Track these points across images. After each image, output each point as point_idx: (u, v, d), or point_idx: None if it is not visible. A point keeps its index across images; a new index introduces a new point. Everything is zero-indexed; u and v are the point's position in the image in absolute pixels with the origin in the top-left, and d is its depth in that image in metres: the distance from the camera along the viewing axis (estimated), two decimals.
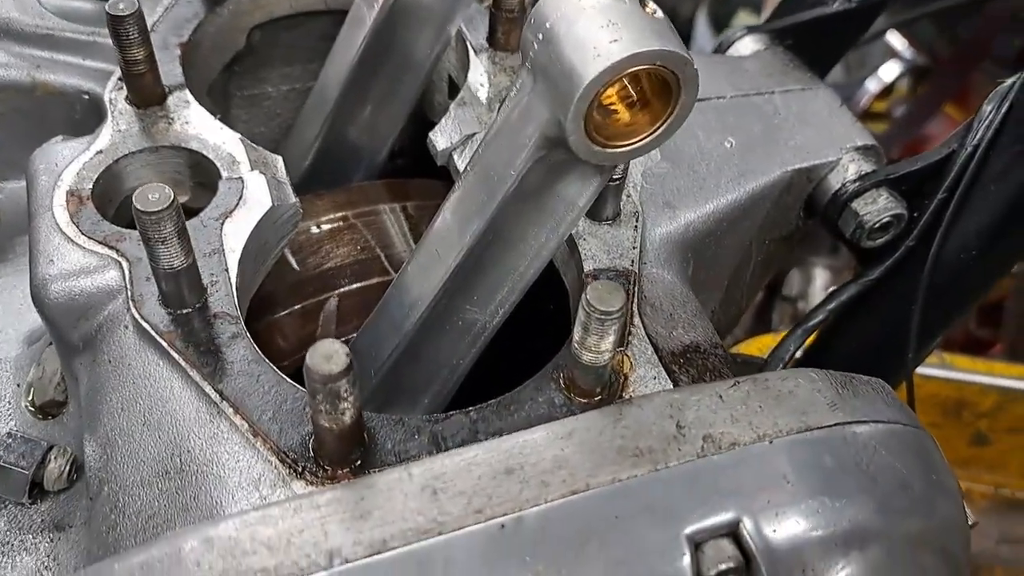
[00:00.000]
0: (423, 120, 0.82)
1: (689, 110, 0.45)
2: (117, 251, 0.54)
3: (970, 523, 0.51)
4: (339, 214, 0.72)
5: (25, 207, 0.71)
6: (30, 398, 0.60)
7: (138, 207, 0.45)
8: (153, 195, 0.46)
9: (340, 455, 0.45)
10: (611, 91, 0.44)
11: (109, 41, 0.70)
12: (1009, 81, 0.66)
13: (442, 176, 0.70)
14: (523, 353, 0.58)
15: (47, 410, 0.60)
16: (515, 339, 0.59)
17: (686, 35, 2.32)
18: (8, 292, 0.68)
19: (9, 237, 0.71)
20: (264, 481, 0.45)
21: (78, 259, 0.54)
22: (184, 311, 0.51)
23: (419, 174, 0.80)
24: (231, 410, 0.47)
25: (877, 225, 0.67)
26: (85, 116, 0.71)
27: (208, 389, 0.48)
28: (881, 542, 0.43)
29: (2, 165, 0.73)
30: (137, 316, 0.50)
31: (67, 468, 0.56)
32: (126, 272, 0.53)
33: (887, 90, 2.27)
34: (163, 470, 0.47)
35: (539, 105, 0.45)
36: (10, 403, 0.60)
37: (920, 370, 1.16)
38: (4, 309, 0.66)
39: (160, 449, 0.48)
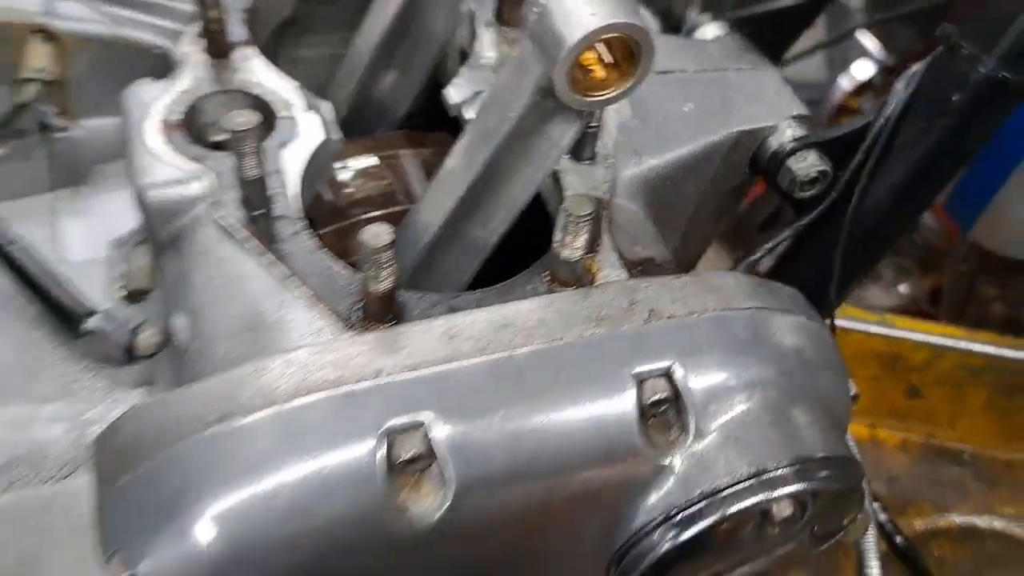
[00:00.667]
0: (436, 87, 0.97)
1: (648, 72, 0.60)
2: (201, 167, 0.69)
3: (852, 394, 0.67)
4: (367, 156, 0.87)
5: (104, 141, 0.87)
6: (121, 286, 0.75)
7: (231, 126, 0.60)
8: (241, 117, 0.61)
9: (379, 315, 0.60)
10: (589, 54, 0.59)
11: (177, 4, 0.86)
12: (915, 68, 0.81)
13: (451, 133, 0.85)
14: (515, 260, 0.73)
15: (135, 296, 0.75)
16: (509, 252, 0.74)
17: (679, 30, 2.47)
18: (95, 208, 0.83)
19: (93, 163, 0.86)
20: (323, 333, 0.60)
21: (170, 172, 0.68)
22: (255, 213, 0.66)
23: (432, 131, 0.95)
24: (295, 284, 0.62)
25: (807, 179, 0.83)
26: (155, 67, 0.86)
27: (277, 269, 0.63)
28: (775, 391, 0.59)
29: (86, 105, 0.88)
30: (219, 215, 0.66)
31: (155, 337, 0.71)
32: (209, 183, 0.68)
33: (863, 87, 2.42)
34: (242, 327, 0.62)
35: (535, 63, 0.60)
36: (105, 291, 0.75)
37: (863, 327, 1.33)
38: (94, 221, 0.81)
39: (238, 313, 0.63)
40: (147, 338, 0.71)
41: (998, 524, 1.41)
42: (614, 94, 0.61)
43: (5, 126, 0.81)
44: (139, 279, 0.75)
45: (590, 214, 0.58)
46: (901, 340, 1.33)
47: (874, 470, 1.44)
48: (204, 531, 0.51)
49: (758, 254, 0.86)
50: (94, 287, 0.75)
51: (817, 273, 0.90)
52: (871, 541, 1.07)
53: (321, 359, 0.55)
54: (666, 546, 0.58)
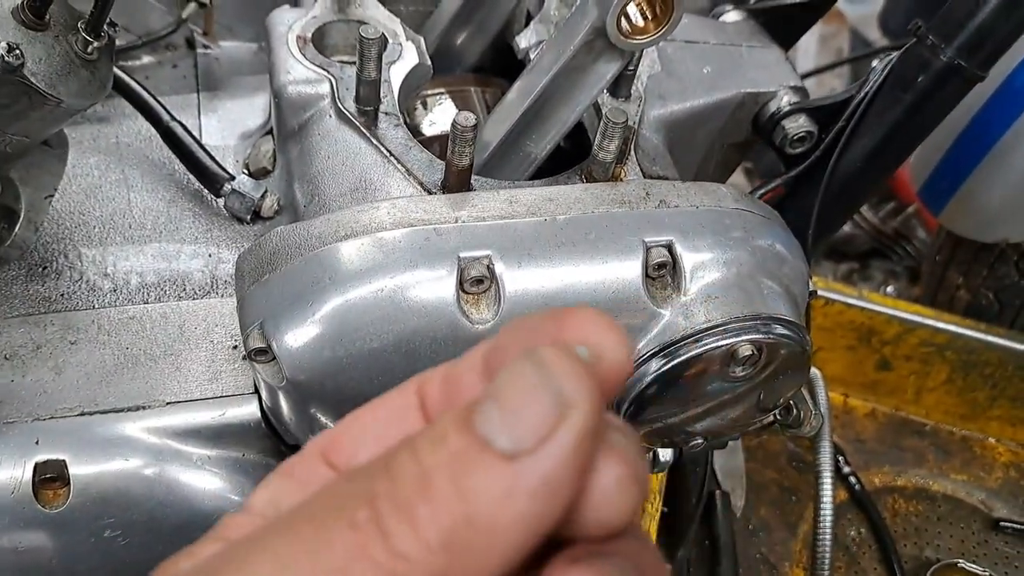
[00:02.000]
0: (500, 47, 1.17)
1: (677, 24, 0.80)
2: (327, 72, 0.89)
3: (811, 290, 0.86)
4: (439, 88, 1.08)
5: (236, 59, 1.07)
6: (246, 165, 0.96)
7: (362, 34, 0.81)
8: (369, 31, 0.81)
9: (456, 188, 0.80)
10: (632, 6, 0.79)
11: None
12: (894, 54, 1.01)
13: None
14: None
15: (258, 175, 0.95)
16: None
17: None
18: (228, 109, 1.03)
19: (227, 76, 1.07)
20: (414, 195, 0.80)
21: (303, 73, 0.89)
22: (368, 108, 0.86)
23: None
24: (395, 161, 0.82)
25: (796, 137, 1.02)
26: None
27: (383, 150, 0.83)
28: (748, 267, 0.78)
29: (221, 30, 1.09)
30: (341, 107, 0.86)
31: (275, 204, 0.91)
32: (333, 84, 0.88)
33: None
34: (352, 190, 0.83)
35: (592, 9, 0.80)
36: (234, 169, 0.95)
37: (841, 298, 1.52)
38: (226, 118, 1.02)
39: (350, 180, 0.83)
40: (269, 204, 0.91)
41: (949, 487, 1.59)
42: (651, 38, 0.80)
43: (164, 38, 1.01)
44: (262, 161, 0.95)
45: (625, 121, 0.78)
46: (876, 313, 1.52)
47: (844, 432, 1.63)
48: (325, 313, 0.71)
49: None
50: (226, 165, 0.95)
51: (798, 221, 1.09)
52: (828, 481, 1.25)
53: (416, 205, 0.75)
54: (654, 374, 0.78)
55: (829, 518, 1.13)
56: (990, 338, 1.53)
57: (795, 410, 1.07)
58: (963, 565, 1.44)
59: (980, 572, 1.43)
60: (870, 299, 1.53)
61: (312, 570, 0.30)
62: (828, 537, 1.12)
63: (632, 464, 0.32)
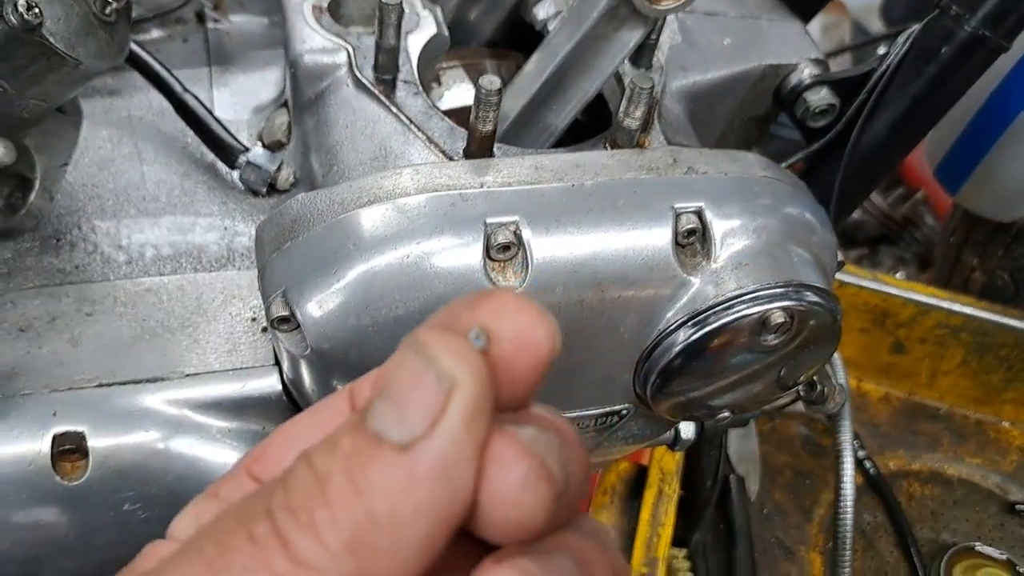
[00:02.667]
0: (515, 21, 1.16)
1: None
2: (344, 41, 0.87)
3: (839, 260, 0.85)
4: (453, 62, 1.06)
5: (247, 33, 1.06)
6: (260, 138, 0.94)
7: (383, 1, 0.79)
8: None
9: (479, 155, 0.78)
10: None
11: None
12: (916, 26, 0.99)
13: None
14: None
15: (272, 148, 0.93)
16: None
17: None
18: (240, 83, 1.01)
19: (237, 50, 1.05)
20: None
21: (320, 42, 0.87)
22: (387, 76, 0.84)
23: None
24: (416, 129, 0.81)
25: (817, 110, 1.01)
26: None
27: (403, 117, 0.82)
28: (777, 234, 0.77)
29: (232, 3, 1.07)
30: (359, 76, 0.84)
31: (291, 177, 0.90)
32: (350, 53, 0.86)
33: None
34: (372, 158, 0.81)
35: None
36: (248, 142, 0.94)
37: (855, 280, 1.51)
38: (238, 91, 1.00)
39: (369, 149, 0.82)
40: (285, 176, 0.89)
41: (964, 471, 1.58)
42: (678, 3, 0.79)
43: (174, 12, 1.00)
44: (276, 134, 0.94)
45: (651, 88, 0.77)
46: (890, 296, 1.51)
47: (858, 416, 1.62)
48: (350, 280, 0.69)
49: None
50: (240, 137, 0.94)
51: (819, 196, 1.07)
52: (848, 459, 1.24)
53: (440, 171, 0.74)
54: (683, 344, 0.76)
55: (850, 497, 1.11)
56: (1005, 320, 1.51)
57: (819, 386, 1.06)
58: (980, 548, 1.43)
59: (998, 555, 1.42)
60: (885, 281, 1.51)
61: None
62: (849, 516, 1.11)
63: (538, 458, 0.31)
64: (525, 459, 0.31)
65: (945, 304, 1.52)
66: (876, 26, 3.06)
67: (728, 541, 1.37)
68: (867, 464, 1.53)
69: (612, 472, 1.34)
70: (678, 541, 1.32)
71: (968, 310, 1.52)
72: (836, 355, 1.24)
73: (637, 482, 1.32)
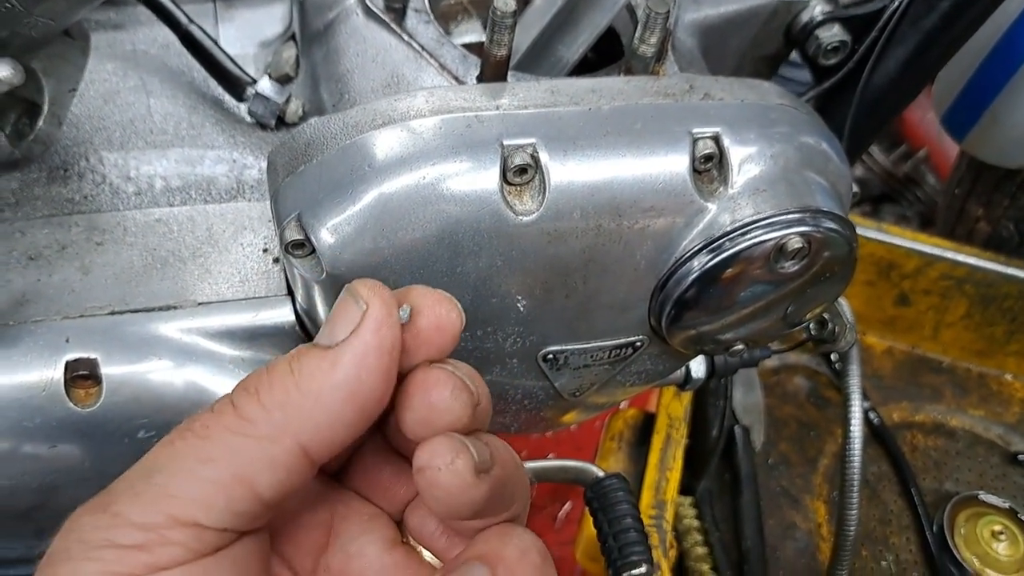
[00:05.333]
0: None
1: None
2: None
3: (854, 191, 0.84)
4: None
5: None
6: (267, 73, 0.93)
7: None
8: None
9: (494, 80, 0.77)
10: None
11: None
12: None
13: None
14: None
15: (281, 81, 0.92)
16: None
17: None
18: (245, 18, 1.00)
19: None
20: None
21: None
22: (397, 5, 0.83)
23: None
24: (428, 55, 0.80)
25: (829, 47, 1.00)
26: None
27: (414, 45, 0.80)
28: (794, 162, 0.76)
29: None
30: (369, 4, 0.83)
31: (299, 109, 0.89)
32: None
33: None
34: (384, 86, 0.80)
35: None
36: (255, 74, 0.92)
37: (860, 231, 1.50)
38: (244, 26, 0.98)
39: (381, 77, 0.80)
40: (294, 109, 0.88)
41: (967, 422, 1.58)
42: None
43: None
44: (284, 68, 0.92)
45: (666, 12, 0.76)
46: (895, 247, 1.50)
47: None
48: (366, 202, 0.68)
49: None
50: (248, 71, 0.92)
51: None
52: (856, 403, 1.24)
53: (455, 94, 0.73)
54: (698, 271, 0.76)
55: (859, 439, 1.12)
56: (1010, 271, 1.51)
57: (830, 324, 1.06)
58: (983, 497, 1.44)
59: (1000, 504, 1.42)
60: (889, 231, 1.51)
61: (174, 439, 0.42)
62: (857, 457, 1.11)
63: (462, 379, 0.45)
64: (452, 378, 0.44)
65: (950, 255, 1.51)
66: None
67: (733, 489, 1.37)
68: (871, 415, 1.53)
69: (619, 419, 1.34)
70: (684, 490, 1.32)
71: (972, 260, 1.51)
72: (843, 300, 1.23)
73: (644, 430, 1.32)
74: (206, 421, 0.41)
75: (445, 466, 0.40)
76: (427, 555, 0.48)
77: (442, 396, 0.43)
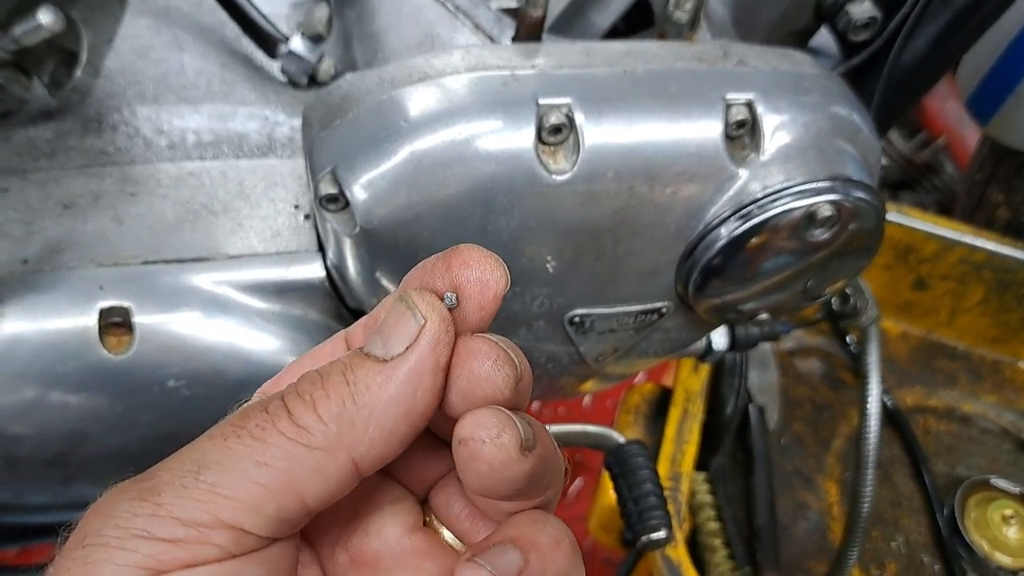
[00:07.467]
0: None
1: None
2: None
3: (882, 163, 0.84)
4: None
5: None
6: (301, 31, 0.93)
7: None
8: None
9: (529, 41, 0.77)
10: None
11: None
12: None
13: None
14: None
15: (314, 40, 0.92)
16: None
17: None
18: None
19: None
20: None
21: None
22: None
23: None
24: (463, 15, 0.80)
25: (860, 23, 0.99)
26: None
27: (448, 5, 0.81)
28: (826, 131, 0.76)
29: None
30: None
31: (332, 69, 0.89)
32: None
33: None
34: (418, 45, 0.80)
35: None
36: (287, 33, 0.93)
37: None
38: None
39: (415, 36, 0.81)
40: (326, 68, 0.89)
41: (980, 408, 1.58)
42: None
43: None
44: (316, 27, 0.92)
45: None
46: (914, 230, 1.50)
47: None
48: (401, 157, 0.69)
49: None
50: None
51: None
52: (875, 380, 1.24)
53: (492, 52, 0.73)
54: (726, 239, 0.76)
55: (876, 415, 1.12)
56: None
57: (852, 299, 1.06)
58: (995, 482, 1.44)
59: (1012, 488, 1.43)
60: (909, 215, 1.51)
61: (227, 435, 0.39)
62: (874, 434, 1.11)
63: (504, 350, 0.42)
64: (496, 349, 0.42)
65: (968, 239, 1.51)
66: None
67: (747, 467, 1.38)
68: (885, 398, 1.53)
69: (636, 393, 1.35)
70: (698, 466, 1.33)
71: (991, 246, 1.51)
72: (863, 282, 1.24)
73: (659, 404, 1.33)
74: (262, 422, 0.39)
75: (491, 439, 0.39)
76: (448, 537, 0.46)
77: (484, 367, 0.41)
